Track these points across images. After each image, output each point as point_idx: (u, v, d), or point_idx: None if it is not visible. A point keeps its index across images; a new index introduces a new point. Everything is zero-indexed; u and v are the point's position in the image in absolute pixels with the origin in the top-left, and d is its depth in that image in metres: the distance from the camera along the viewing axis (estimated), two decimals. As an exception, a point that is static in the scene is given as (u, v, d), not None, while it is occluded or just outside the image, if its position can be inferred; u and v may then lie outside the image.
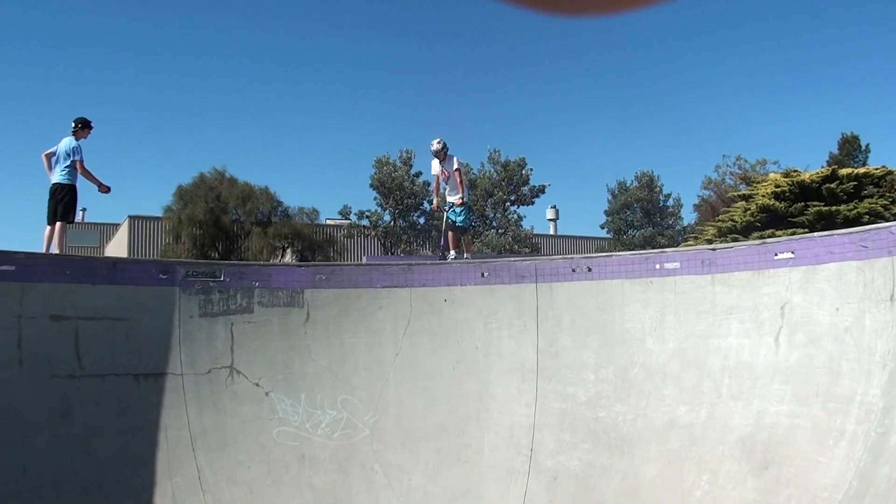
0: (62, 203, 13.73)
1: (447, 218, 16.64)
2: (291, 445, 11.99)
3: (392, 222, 49.21)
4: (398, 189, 48.14)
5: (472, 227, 16.00)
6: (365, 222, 49.30)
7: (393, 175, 48.05)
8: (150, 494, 10.88)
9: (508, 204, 50.14)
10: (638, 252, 12.78)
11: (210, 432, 11.71)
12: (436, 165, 16.58)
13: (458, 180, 16.32)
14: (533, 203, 50.36)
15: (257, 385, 12.26)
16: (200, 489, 11.16)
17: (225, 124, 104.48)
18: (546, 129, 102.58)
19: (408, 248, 48.34)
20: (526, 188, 49.97)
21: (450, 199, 16.55)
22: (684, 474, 10.52)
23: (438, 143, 16.25)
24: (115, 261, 13.35)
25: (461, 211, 16.39)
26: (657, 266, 11.94)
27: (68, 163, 13.70)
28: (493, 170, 50.32)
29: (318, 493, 11.66)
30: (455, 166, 16.31)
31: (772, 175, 33.67)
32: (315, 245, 48.52)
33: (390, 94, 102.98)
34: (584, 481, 11.26)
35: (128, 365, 11.70)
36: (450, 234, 16.58)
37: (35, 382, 10.90)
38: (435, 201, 17.36)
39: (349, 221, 49.78)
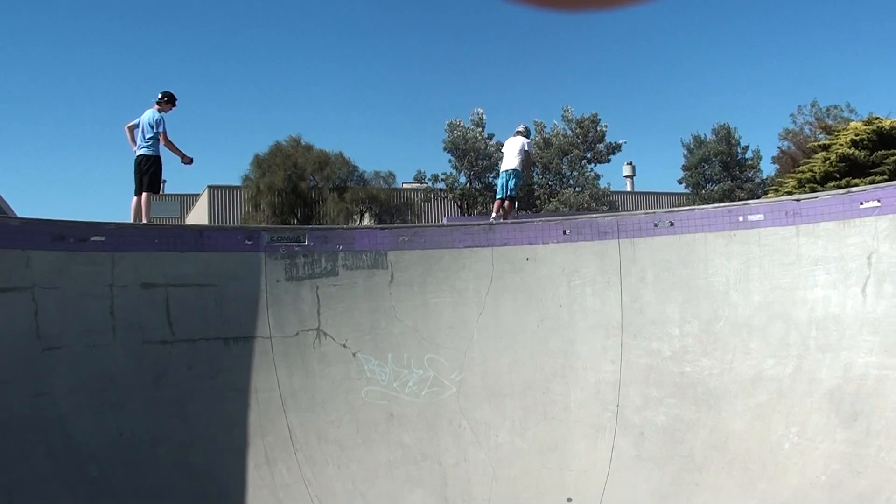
0: (148, 174, 13.97)
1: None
2: (380, 404, 12.15)
3: (468, 184, 49.14)
4: (472, 151, 48.04)
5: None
6: (441, 185, 49.33)
7: (466, 136, 47.92)
8: (244, 453, 11.13)
9: (585, 162, 49.73)
10: (720, 205, 12.65)
11: (300, 393, 11.92)
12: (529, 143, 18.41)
13: None
14: (609, 160, 49.92)
15: (344, 346, 12.42)
16: (292, 447, 11.38)
17: (299, 93, 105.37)
18: (619, 85, 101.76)
19: (484, 210, 48.25)
20: (601, 145, 49.51)
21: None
22: (772, 427, 10.45)
23: (523, 126, 18.42)
24: (202, 228, 13.60)
25: None
26: (740, 219, 11.81)
27: (152, 134, 13.92)
28: (566, 128, 49.91)
29: (408, 450, 11.81)
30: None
31: (853, 123, 32.83)
32: (393, 209, 48.77)
33: (460, 57, 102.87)
34: (671, 435, 11.24)
35: (217, 329, 11.94)
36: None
37: (129, 348, 11.19)
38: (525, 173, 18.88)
39: (425, 185, 49.86)
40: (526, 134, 18.37)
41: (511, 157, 17.96)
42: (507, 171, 17.94)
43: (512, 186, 17.65)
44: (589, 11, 1.11)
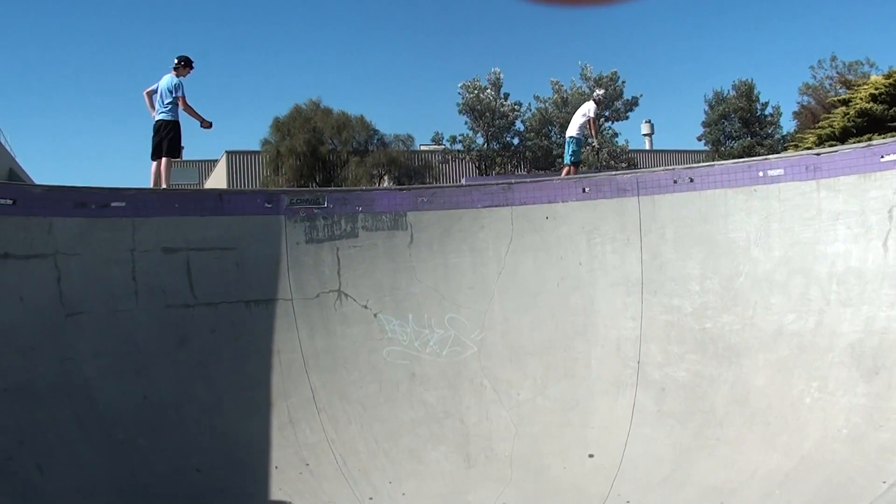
0: (167, 139, 14.03)
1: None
2: (401, 364, 12.24)
3: (485, 144, 49.16)
4: (489, 111, 47.99)
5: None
6: (458, 147, 49.36)
7: (481, 97, 47.88)
8: (268, 414, 11.24)
9: (603, 120, 49.63)
10: (740, 160, 12.57)
11: (322, 354, 12.02)
12: (595, 110, 18.85)
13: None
14: (627, 118, 49.97)
15: (365, 307, 12.51)
16: (315, 408, 11.48)
17: (316, 56, 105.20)
18: (637, 43, 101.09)
19: (502, 170, 48.31)
20: (619, 102, 49.41)
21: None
22: (794, 382, 10.44)
23: (603, 90, 19.14)
24: (222, 192, 13.61)
25: None
26: (760, 174, 11.76)
27: (171, 99, 13.97)
28: (585, 86, 49.75)
29: (430, 408, 11.91)
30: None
31: (872, 77, 32.56)
32: (412, 171, 48.85)
33: (477, 15, 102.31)
34: (692, 391, 11.26)
35: (239, 292, 12.03)
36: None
37: (151, 313, 11.28)
38: (596, 142, 19.63)
39: (443, 147, 49.93)
40: (597, 99, 19.07)
41: (574, 123, 18.77)
42: (567, 138, 18.86)
43: (571, 153, 18.50)
44: (592, 7, 1.14)
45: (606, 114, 49.35)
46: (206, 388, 11.12)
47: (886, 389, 9.48)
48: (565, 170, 18.52)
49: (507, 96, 49.16)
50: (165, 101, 13.97)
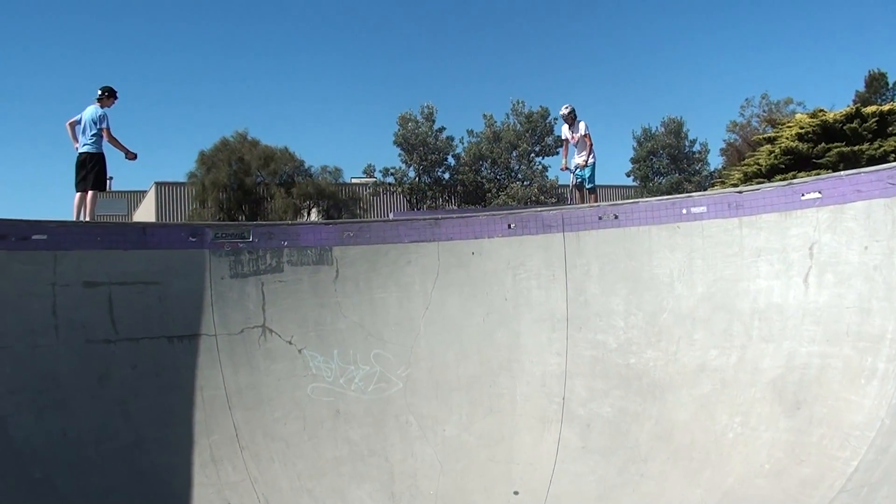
0: (93, 172, 13.81)
1: (576, 177, 17.70)
2: (326, 401, 12.13)
3: (417, 178, 49.23)
4: (422, 145, 48.11)
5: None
6: (390, 179, 49.38)
7: (416, 131, 48.04)
8: (189, 452, 11.04)
9: (533, 155, 50.04)
10: (664, 197, 12.74)
11: (245, 391, 11.86)
12: (565, 130, 17.71)
13: (588, 143, 17.41)
14: (557, 153, 50.26)
15: (290, 343, 12.40)
16: (238, 445, 11.32)
17: (247, 88, 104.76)
18: (569, 78, 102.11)
19: (433, 204, 48.40)
20: (550, 138, 49.86)
21: (576, 160, 17.61)
22: (717, 417, 10.57)
23: (567, 108, 17.50)
24: (145, 226, 13.48)
25: (588, 171, 17.49)
26: (684, 211, 11.93)
27: (95, 131, 13.77)
28: (516, 121, 50.19)
29: (354, 446, 11.81)
30: (584, 131, 17.38)
31: (797, 116, 33.21)
32: (340, 203, 48.67)
33: (411, 49, 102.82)
34: (617, 427, 11.33)
35: (161, 328, 11.83)
36: (577, 192, 17.80)
37: (72, 348, 11.04)
38: (563, 162, 18.09)
39: (374, 179, 49.92)
40: (562, 116, 17.88)
41: None
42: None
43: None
44: None
45: (537, 149, 49.77)
46: (127, 425, 10.90)
47: (807, 424, 9.62)
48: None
49: (442, 130, 49.41)
50: (89, 134, 13.76)
